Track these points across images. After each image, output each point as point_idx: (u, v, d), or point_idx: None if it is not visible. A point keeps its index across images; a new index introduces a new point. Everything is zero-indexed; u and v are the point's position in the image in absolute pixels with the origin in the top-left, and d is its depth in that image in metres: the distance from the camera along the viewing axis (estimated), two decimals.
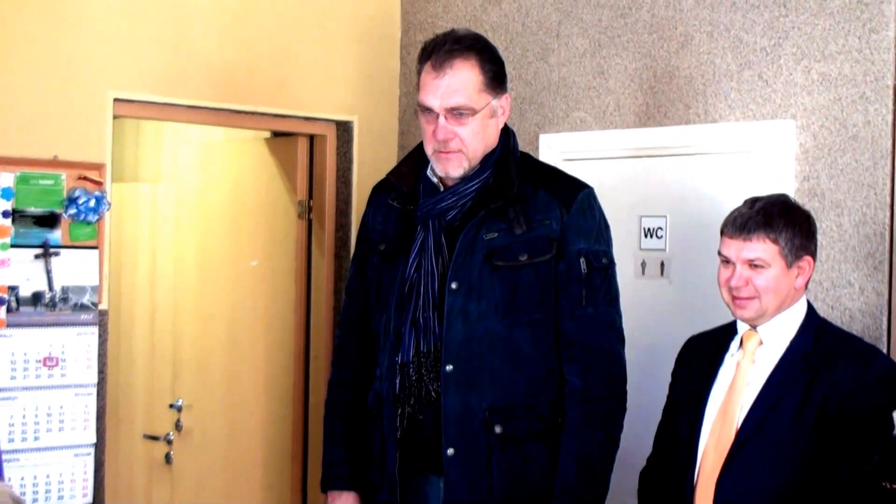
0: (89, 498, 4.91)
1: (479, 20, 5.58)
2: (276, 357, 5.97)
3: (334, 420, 4.38)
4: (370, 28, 5.82)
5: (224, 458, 6.13)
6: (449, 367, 3.95)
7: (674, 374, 3.96)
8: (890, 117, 4.31)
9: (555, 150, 5.27)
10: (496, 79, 4.05)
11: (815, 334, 3.65)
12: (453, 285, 3.97)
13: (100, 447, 4.96)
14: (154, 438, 6.21)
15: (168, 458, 6.18)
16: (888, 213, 4.31)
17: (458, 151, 3.97)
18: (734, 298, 3.64)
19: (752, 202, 3.67)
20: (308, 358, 5.88)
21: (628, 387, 4.08)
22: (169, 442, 6.18)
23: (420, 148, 4.15)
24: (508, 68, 4.89)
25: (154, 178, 6.50)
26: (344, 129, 5.81)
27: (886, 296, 4.31)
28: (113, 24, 4.95)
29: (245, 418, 6.06)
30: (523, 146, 4.98)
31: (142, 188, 6.43)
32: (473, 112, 3.96)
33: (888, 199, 4.31)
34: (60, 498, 4.83)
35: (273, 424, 5.98)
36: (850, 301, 4.39)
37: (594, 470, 3.96)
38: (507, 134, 4.14)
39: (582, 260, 4.00)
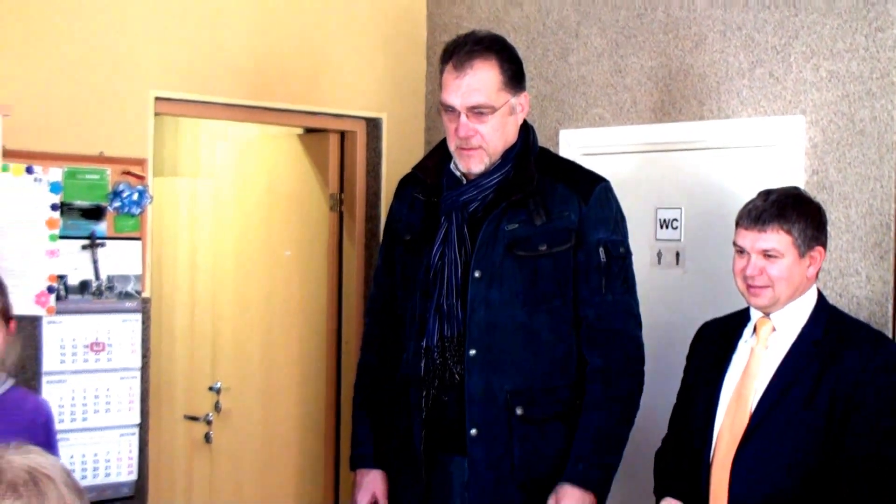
0: (134, 475, 4.91)
1: (501, 21, 5.54)
2: (309, 342, 5.96)
3: (362, 402, 4.38)
4: (397, 29, 5.80)
5: (260, 437, 6.14)
6: (472, 352, 3.95)
7: (688, 358, 3.92)
8: (895, 113, 4.27)
9: (574, 145, 5.24)
10: (515, 78, 4.03)
11: (826, 322, 3.61)
12: (476, 274, 3.95)
13: (144, 427, 4.96)
14: (194, 419, 6.21)
15: (207, 438, 6.18)
16: (893, 205, 4.28)
17: (479, 148, 3.97)
18: (749, 287, 3.60)
19: (766, 195, 3.62)
20: (340, 342, 5.87)
21: (646, 369, 4.08)
22: (208, 422, 6.17)
23: (443, 143, 4.15)
24: (529, 67, 4.89)
25: (193, 173, 6.48)
26: (373, 125, 5.79)
27: (892, 284, 4.28)
28: (154, 27, 4.95)
29: (280, 400, 6.07)
30: (544, 142, 4.96)
31: (181, 183, 6.41)
32: (493, 110, 3.95)
33: (893, 191, 4.28)
34: (108, 475, 4.83)
35: (306, 405, 5.98)
36: (857, 289, 4.35)
37: (609, 442, 3.97)
38: (526, 130, 4.12)
39: (601, 249, 3.99)
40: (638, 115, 5.05)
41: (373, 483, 4.26)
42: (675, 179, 4.93)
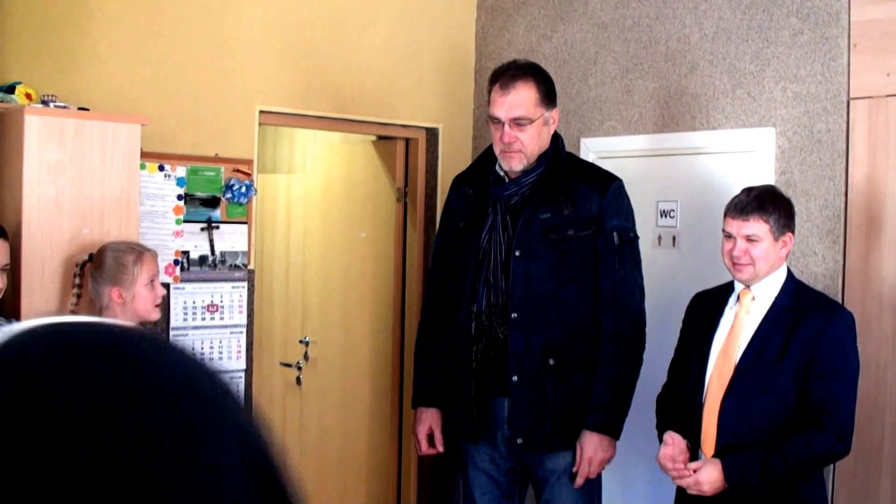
0: None
1: (535, 51, 5.52)
2: (378, 305, 5.96)
3: (422, 354, 4.38)
4: (452, 58, 5.78)
5: (340, 380, 6.13)
6: (514, 315, 3.95)
7: (684, 321, 3.89)
8: (845, 126, 4.28)
9: (592, 150, 5.22)
10: (548, 96, 4.03)
11: (794, 292, 3.59)
12: (517, 253, 3.95)
13: (249, 372, 4.99)
14: (288, 366, 6.23)
15: (298, 381, 6.19)
16: (843, 199, 4.29)
17: (519, 152, 3.97)
18: (734, 264, 3.58)
19: (749, 191, 3.61)
20: (404, 306, 5.86)
21: (648, 330, 4.08)
22: (299, 368, 6.19)
23: (488, 150, 4.15)
24: (557, 87, 4.84)
25: (289, 170, 6.50)
26: (432, 133, 5.77)
27: (842, 263, 4.30)
28: (258, 55, 4.95)
29: (356, 351, 6.06)
30: (568, 147, 4.92)
31: (280, 178, 6.43)
32: (531, 121, 3.95)
33: (843, 189, 4.28)
34: None
35: (376, 356, 5.97)
36: (815, 267, 4.34)
37: (621, 389, 3.97)
38: (556, 139, 4.12)
39: (615, 234, 3.99)
40: (643, 126, 5.03)
41: (430, 418, 4.27)
42: (673, 178, 4.90)
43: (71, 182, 3.88)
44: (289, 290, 6.33)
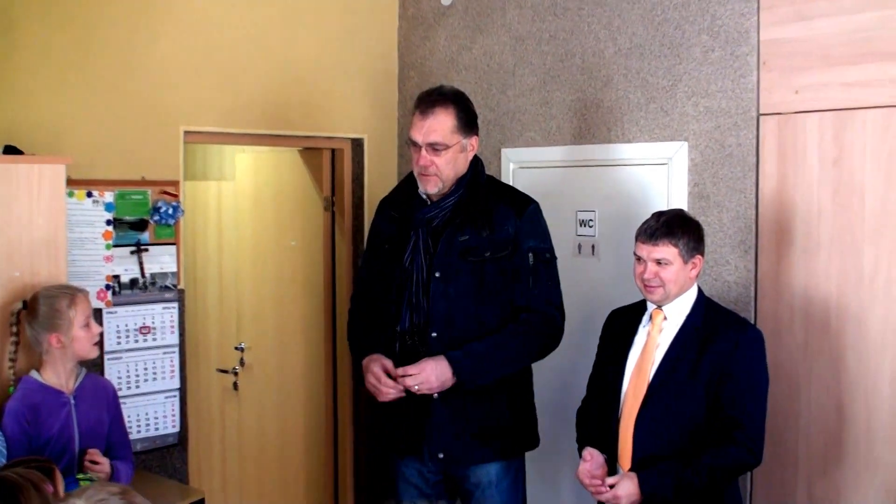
0: (177, 428, 4.95)
1: (456, 62, 5.55)
2: (311, 312, 5.99)
3: (355, 336, 4.31)
4: (375, 67, 5.79)
5: (276, 385, 6.17)
6: (434, 335, 4.00)
7: (601, 338, 3.97)
8: (754, 141, 4.35)
9: (513, 160, 5.26)
10: (468, 124, 4.06)
11: (704, 312, 3.69)
12: (437, 274, 4.00)
13: (183, 390, 4.99)
14: (224, 371, 6.22)
15: (235, 386, 6.19)
16: (754, 212, 4.37)
17: (434, 175, 4.02)
18: (646, 286, 3.67)
19: (658, 216, 3.69)
20: (335, 312, 5.89)
21: (570, 341, 4.18)
22: (235, 374, 6.19)
23: (411, 175, 4.16)
24: (477, 97, 4.92)
25: (219, 177, 6.47)
26: (357, 144, 5.79)
27: (754, 272, 4.38)
28: (181, 75, 4.94)
29: (290, 356, 6.10)
30: (489, 157, 5.03)
31: (210, 185, 6.40)
32: (447, 147, 4.00)
33: (754, 201, 4.37)
34: (157, 429, 4.88)
35: (311, 360, 6.02)
36: (728, 275, 4.42)
37: (493, 352, 3.98)
38: (476, 162, 4.15)
39: (530, 255, 4.04)
40: (561, 137, 5.07)
41: (379, 358, 4.06)
42: (591, 188, 4.95)
43: None
44: (222, 297, 6.33)
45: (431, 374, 3.90)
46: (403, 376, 3.92)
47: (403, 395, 3.97)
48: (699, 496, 3.52)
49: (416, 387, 3.90)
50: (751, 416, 3.56)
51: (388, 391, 3.97)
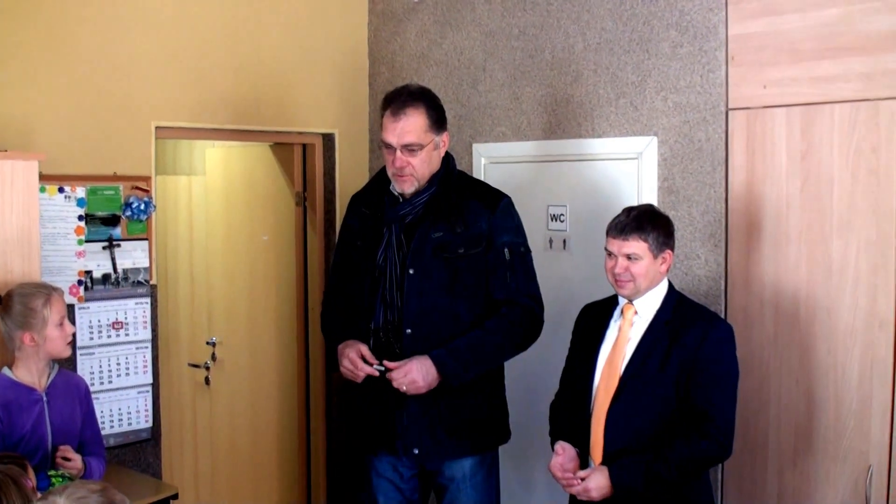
0: (150, 423, 4.95)
1: (426, 57, 5.54)
2: (283, 306, 5.99)
3: (330, 326, 4.30)
4: (345, 63, 5.78)
5: (248, 379, 6.16)
6: (408, 331, 3.99)
7: (573, 333, 3.98)
8: (723, 135, 4.36)
9: (484, 155, 5.26)
10: (438, 122, 4.05)
11: (674, 306, 3.70)
12: (411, 271, 3.99)
13: (155, 385, 4.98)
14: (196, 366, 6.21)
15: (207, 381, 6.19)
16: (724, 205, 4.38)
17: (411, 175, 4.01)
18: (617, 281, 3.68)
19: (629, 211, 3.69)
20: (307, 306, 5.90)
21: (544, 334, 4.15)
22: (207, 368, 6.18)
23: (383, 170, 4.16)
24: (448, 93, 4.92)
25: (189, 172, 6.46)
26: (328, 139, 5.78)
27: (724, 265, 4.39)
28: (151, 73, 4.93)
29: (262, 350, 6.10)
30: (460, 153, 5.02)
31: (180, 179, 6.38)
32: (421, 147, 3.98)
33: (723, 195, 4.37)
34: (130, 424, 4.87)
35: (282, 354, 6.02)
36: (698, 269, 4.44)
37: (484, 350, 4.00)
38: (448, 158, 4.14)
39: (505, 250, 4.04)
40: (532, 132, 5.08)
41: (355, 343, 4.06)
42: (562, 183, 4.97)
43: None
44: (194, 292, 6.31)
45: (418, 375, 3.90)
46: (388, 370, 3.92)
47: (377, 374, 3.95)
48: (670, 489, 3.54)
49: (405, 387, 3.91)
50: (721, 409, 3.57)
51: (365, 370, 3.96)
